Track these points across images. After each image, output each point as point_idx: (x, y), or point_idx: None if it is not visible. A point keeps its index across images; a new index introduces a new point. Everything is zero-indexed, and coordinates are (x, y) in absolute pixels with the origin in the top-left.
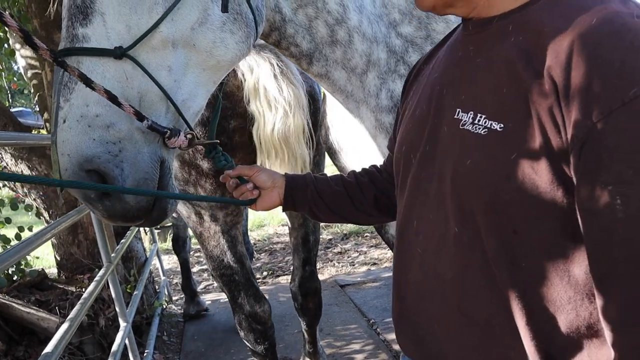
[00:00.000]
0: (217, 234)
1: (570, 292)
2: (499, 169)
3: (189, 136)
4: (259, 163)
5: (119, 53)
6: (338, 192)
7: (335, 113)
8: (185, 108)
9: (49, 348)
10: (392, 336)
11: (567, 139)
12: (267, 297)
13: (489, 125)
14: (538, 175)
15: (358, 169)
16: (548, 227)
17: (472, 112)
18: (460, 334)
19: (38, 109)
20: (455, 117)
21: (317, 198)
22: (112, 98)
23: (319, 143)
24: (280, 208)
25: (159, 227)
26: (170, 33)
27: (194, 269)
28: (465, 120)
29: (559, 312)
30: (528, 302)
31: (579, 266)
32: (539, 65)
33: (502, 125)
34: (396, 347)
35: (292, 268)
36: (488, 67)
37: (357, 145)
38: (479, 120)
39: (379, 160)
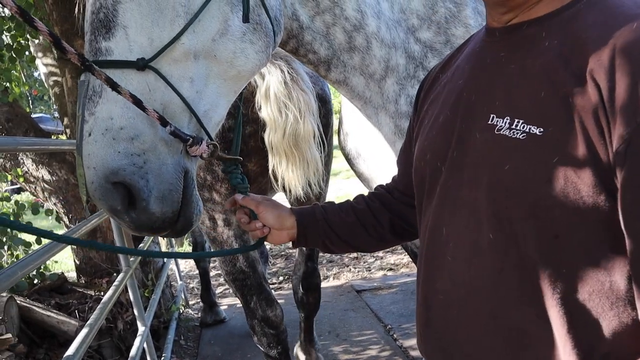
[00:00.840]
0: (230, 238)
1: (613, 298)
2: (540, 173)
3: (211, 146)
4: (270, 168)
5: (142, 64)
6: (350, 222)
7: (353, 119)
8: (207, 119)
9: (70, 351)
10: (409, 342)
11: (612, 142)
12: (282, 302)
13: (527, 130)
14: (580, 179)
15: (378, 176)
16: (590, 231)
17: (508, 118)
18: (491, 344)
19: (58, 115)
20: (490, 122)
21: (329, 232)
22: (137, 102)
23: (329, 145)
24: None
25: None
26: (191, 44)
27: (211, 273)
28: (501, 126)
29: (602, 319)
30: (569, 310)
31: (621, 272)
32: (579, 69)
33: (541, 130)
34: (413, 353)
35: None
36: (523, 72)
37: (376, 152)
38: (516, 125)
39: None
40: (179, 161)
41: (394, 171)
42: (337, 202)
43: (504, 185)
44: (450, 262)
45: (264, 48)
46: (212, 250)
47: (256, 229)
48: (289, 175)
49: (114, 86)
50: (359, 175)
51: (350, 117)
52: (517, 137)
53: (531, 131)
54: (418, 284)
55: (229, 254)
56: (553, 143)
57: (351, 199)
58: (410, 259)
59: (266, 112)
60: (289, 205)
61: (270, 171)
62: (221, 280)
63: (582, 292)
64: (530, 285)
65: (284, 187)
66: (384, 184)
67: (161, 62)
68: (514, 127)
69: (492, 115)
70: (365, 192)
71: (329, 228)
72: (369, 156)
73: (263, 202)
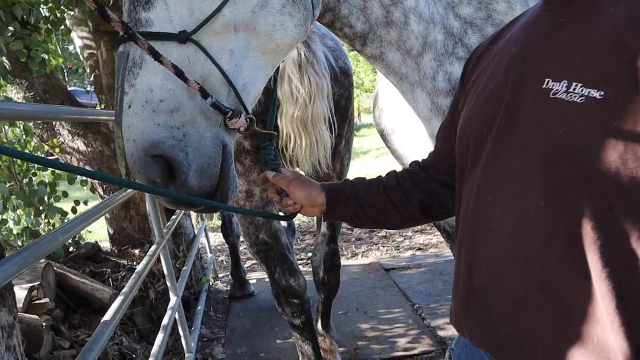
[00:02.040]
0: (252, 209)
1: None
2: (598, 137)
3: (247, 120)
4: (280, 144)
5: (183, 37)
6: (380, 201)
7: (389, 96)
8: (246, 92)
9: (107, 317)
10: (436, 322)
11: None
12: (309, 278)
13: (586, 93)
14: None
15: (412, 153)
16: None
17: (565, 81)
18: (537, 316)
19: (92, 88)
20: (544, 86)
21: (358, 209)
22: (179, 73)
23: (351, 120)
24: None
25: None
26: (232, 17)
27: (240, 248)
28: (557, 89)
29: None
30: (619, 285)
31: None
32: None
33: (602, 93)
34: (441, 333)
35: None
36: (584, 37)
37: (410, 129)
38: (574, 89)
39: (432, 144)
40: (217, 134)
41: (428, 148)
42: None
43: (558, 150)
44: (496, 230)
45: (302, 21)
46: (239, 223)
47: (288, 206)
48: (297, 153)
49: (157, 56)
50: (393, 152)
51: (385, 93)
52: (575, 100)
53: (590, 94)
54: (459, 253)
55: (263, 216)
56: (614, 107)
57: (383, 175)
58: (439, 239)
59: (279, 91)
60: None
61: (279, 147)
62: (249, 254)
63: (633, 269)
64: (579, 257)
65: (291, 163)
66: (419, 161)
67: (202, 35)
68: (571, 90)
69: (547, 79)
70: (398, 168)
71: (359, 206)
72: (403, 133)
73: (294, 182)
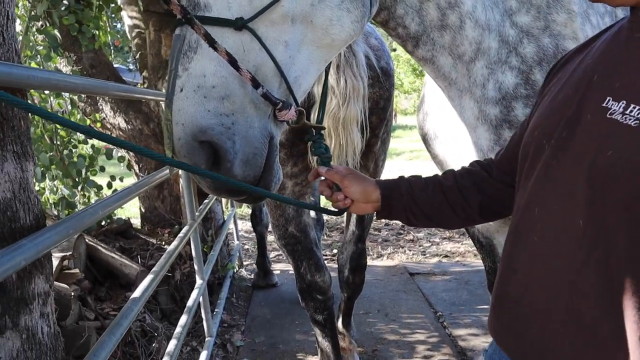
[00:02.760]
0: (283, 203)
1: None
2: None
3: (297, 112)
4: (309, 142)
5: (240, 24)
6: (436, 200)
7: (435, 100)
8: (297, 85)
9: (136, 294)
10: (458, 332)
11: None
12: (334, 275)
13: None
14: None
15: (453, 160)
16: None
17: (624, 102)
18: (562, 332)
19: (135, 67)
20: (604, 105)
21: (414, 207)
22: (233, 61)
23: (389, 121)
24: None
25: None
26: (290, 8)
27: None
28: (614, 110)
29: None
30: None
31: None
32: None
33: None
34: (462, 343)
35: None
36: None
37: (454, 135)
38: (631, 111)
39: (474, 152)
40: (265, 125)
41: (471, 156)
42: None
43: (604, 171)
44: (536, 242)
45: (359, 18)
46: (269, 214)
47: (338, 201)
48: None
49: (212, 42)
50: (434, 157)
51: (432, 97)
52: (629, 123)
53: None
54: (502, 258)
55: (311, 208)
56: None
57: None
58: (467, 248)
59: (315, 89)
60: None
61: (308, 145)
62: (276, 245)
63: None
64: (611, 280)
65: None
66: (480, 161)
67: (258, 23)
68: (627, 112)
69: (608, 98)
70: (432, 173)
71: (414, 203)
72: (446, 139)
73: (348, 176)
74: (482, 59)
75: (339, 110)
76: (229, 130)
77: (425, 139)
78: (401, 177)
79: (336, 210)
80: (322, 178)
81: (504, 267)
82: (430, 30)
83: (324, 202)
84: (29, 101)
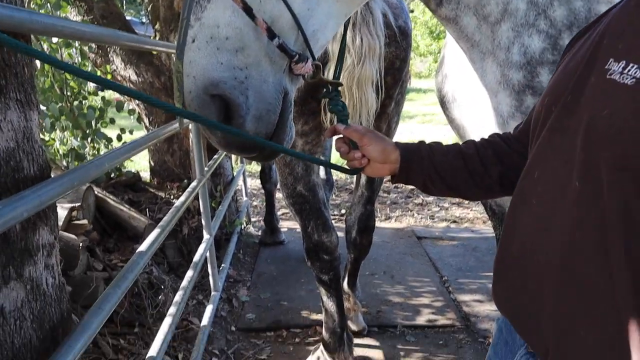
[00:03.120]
0: (293, 161)
1: None
2: (638, 121)
3: (314, 66)
4: (323, 101)
5: None
6: (457, 166)
7: (455, 62)
8: (314, 39)
9: (142, 247)
10: (463, 297)
11: None
12: (341, 235)
13: (638, 75)
14: None
15: (471, 125)
16: None
17: (624, 61)
18: (559, 291)
19: (147, 20)
20: (606, 67)
21: (433, 173)
22: (248, 10)
23: (404, 82)
24: None
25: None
26: None
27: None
28: (614, 70)
29: None
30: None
31: None
32: None
33: None
34: (466, 309)
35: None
36: None
37: (474, 99)
38: (628, 70)
39: (494, 118)
40: (280, 80)
41: (490, 122)
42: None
43: (599, 130)
44: (535, 205)
45: None
46: (278, 172)
47: (355, 159)
48: None
49: None
50: (451, 121)
51: (452, 59)
52: (625, 82)
53: None
54: (505, 223)
55: (325, 165)
56: None
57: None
58: (476, 215)
59: (330, 47)
60: None
61: (321, 103)
62: (284, 202)
63: None
64: (605, 241)
65: (330, 123)
66: (500, 133)
67: None
68: (625, 71)
69: (610, 59)
70: (444, 138)
71: (434, 168)
72: (465, 103)
73: (367, 134)
74: (508, 21)
75: (354, 70)
76: (242, 84)
77: (443, 101)
78: (421, 142)
79: (351, 169)
80: (340, 136)
81: (505, 231)
82: None
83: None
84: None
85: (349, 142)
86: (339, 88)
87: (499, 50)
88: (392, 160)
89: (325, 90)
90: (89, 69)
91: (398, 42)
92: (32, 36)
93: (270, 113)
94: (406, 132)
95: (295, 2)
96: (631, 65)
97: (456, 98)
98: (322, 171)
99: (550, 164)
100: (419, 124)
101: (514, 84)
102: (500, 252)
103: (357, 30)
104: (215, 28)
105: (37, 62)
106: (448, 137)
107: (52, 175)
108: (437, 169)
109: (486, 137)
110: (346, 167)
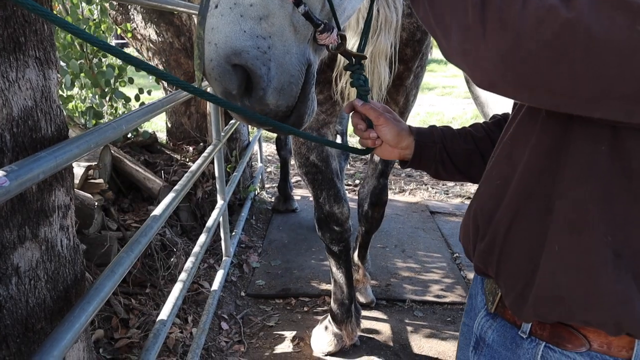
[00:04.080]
0: (306, 130)
1: None
2: None
3: (339, 37)
4: (334, 74)
5: None
6: (468, 149)
7: None
8: (341, 9)
9: (157, 212)
10: (473, 275)
11: None
12: (353, 205)
13: None
14: None
15: (495, 102)
16: None
17: None
18: (521, 225)
19: None
20: None
21: (445, 157)
22: None
23: (425, 54)
24: None
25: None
26: None
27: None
28: None
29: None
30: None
31: None
32: None
33: None
34: None
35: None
36: None
37: None
38: None
39: None
40: (304, 51)
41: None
42: (430, 117)
43: None
44: (493, 161)
45: None
46: (292, 141)
47: (369, 139)
48: (348, 87)
49: None
50: (475, 97)
51: None
52: None
53: None
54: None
55: (335, 146)
56: None
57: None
58: None
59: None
60: None
61: (332, 76)
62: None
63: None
64: (556, 165)
65: (341, 96)
66: (507, 113)
67: None
68: None
69: None
70: (459, 111)
71: (446, 153)
72: None
73: (384, 115)
74: None
75: (368, 42)
76: (265, 54)
77: (468, 78)
78: (433, 126)
79: (363, 149)
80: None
81: (482, 180)
82: None
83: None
84: (59, 5)
85: (365, 119)
86: (363, 61)
87: None
88: (403, 146)
89: (348, 62)
90: (106, 25)
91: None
92: None
93: (292, 85)
94: (425, 104)
95: None
96: None
97: None
98: (337, 140)
99: (520, 118)
100: (439, 96)
101: None
102: (468, 213)
103: (375, 1)
104: None
105: None
106: (467, 111)
107: (70, 135)
108: (449, 154)
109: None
110: (358, 146)
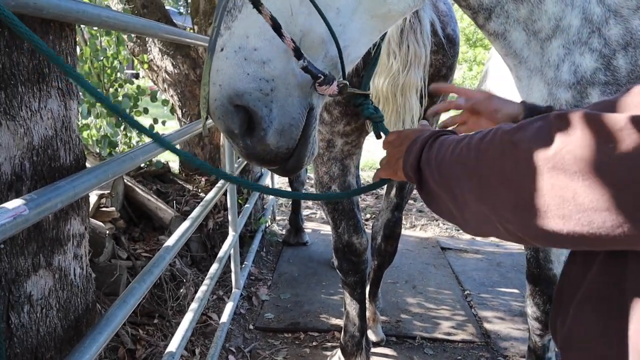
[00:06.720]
0: (330, 161)
1: None
2: None
3: (340, 85)
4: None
5: None
6: None
7: (499, 77)
8: (345, 55)
9: (170, 242)
10: (484, 313)
11: None
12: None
13: None
14: None
15: None
16: None
17: None
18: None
19: (188, 11)
20: None
21: None
22: (277, 27)
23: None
24: None
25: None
26: None
27: None
28: None
29: None
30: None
31: None
32: None
33: None
34: (487, 325)
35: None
36: None
37: None
38: None
39: None
40: (305, 95)
41: None
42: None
43: None
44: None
45: None
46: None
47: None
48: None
49: (256, 4)
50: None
51: (496, 73)
52: None
53: None
54: None
55: (338, 198)
56: None
57: None
58: None
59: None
60: None
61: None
62: (309, 203)
63: None
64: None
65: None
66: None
67: None
68: None
69: None
70: None
71: None
72: None
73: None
74: (560, 38)
75: (399, 76)
76: (267, 96)
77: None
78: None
79: (375, 183)
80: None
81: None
82: (505, 2)
83: (367, 164)
84: (79, 36)
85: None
86: (371, 95)
87: (547, 68)
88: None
89: (354, 100)
90: (123, 54)
91: (445, 50)
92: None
93: (293, 128)
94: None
95: (328, 17)
96: None
97: None
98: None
99: None
100: None
101: (562, 103)
102: None
103: (405, 37)
104: (245, 38)
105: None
106: None
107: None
108: None
109: None
110: (370, 183)
